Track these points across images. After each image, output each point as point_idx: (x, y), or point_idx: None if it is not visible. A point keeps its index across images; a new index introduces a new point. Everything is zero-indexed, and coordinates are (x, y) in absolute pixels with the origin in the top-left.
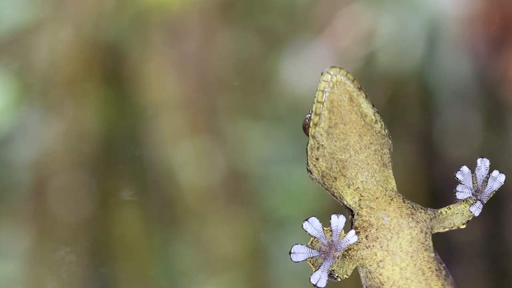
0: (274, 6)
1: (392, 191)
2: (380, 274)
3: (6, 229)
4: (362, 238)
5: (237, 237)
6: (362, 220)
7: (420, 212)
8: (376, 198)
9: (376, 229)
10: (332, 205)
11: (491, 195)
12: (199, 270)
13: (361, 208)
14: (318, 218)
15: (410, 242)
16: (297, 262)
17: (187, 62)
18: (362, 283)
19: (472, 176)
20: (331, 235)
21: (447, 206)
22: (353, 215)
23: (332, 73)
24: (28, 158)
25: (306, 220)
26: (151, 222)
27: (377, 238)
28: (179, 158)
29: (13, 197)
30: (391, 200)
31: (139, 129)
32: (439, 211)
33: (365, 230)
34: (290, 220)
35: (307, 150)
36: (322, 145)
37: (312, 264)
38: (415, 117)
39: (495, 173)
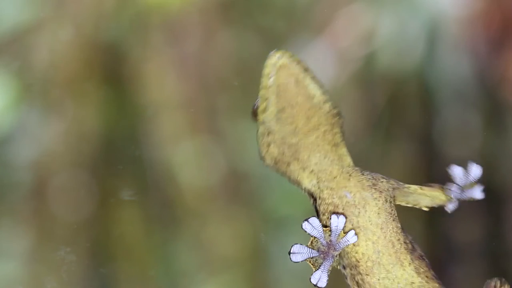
0: (274, 6)
1: (349, 167)
2: (356, 252)
3: (6, 229)
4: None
5: (237, 237)
6: (325, 203)
7: (382, 181)
8: (334, 178)
9: (343, 209)
10: None
11: (468, 200)
12: (199, 270)
13: (322, 190)
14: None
15: (378, 213)
16: (297, 262)
17: (187, 62)
18: (339, 263)
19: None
20: (329, 235)
21: (420, 186)
22: (315, 200)
23: (277, 56)
24: (28, 158)
25: (306, 220)
26: (151, 222)
27: (346, 217)
28: (179, 158)
29: (13, 197)
30: (350, 176)
31: (139, 129)
32: (408, 185)
33: (331, 213)
34: (290, 220)
35: (257, 137)
36: (272, 131)
37: (312, 264)
38: (415, 117)
39: (480, 188)
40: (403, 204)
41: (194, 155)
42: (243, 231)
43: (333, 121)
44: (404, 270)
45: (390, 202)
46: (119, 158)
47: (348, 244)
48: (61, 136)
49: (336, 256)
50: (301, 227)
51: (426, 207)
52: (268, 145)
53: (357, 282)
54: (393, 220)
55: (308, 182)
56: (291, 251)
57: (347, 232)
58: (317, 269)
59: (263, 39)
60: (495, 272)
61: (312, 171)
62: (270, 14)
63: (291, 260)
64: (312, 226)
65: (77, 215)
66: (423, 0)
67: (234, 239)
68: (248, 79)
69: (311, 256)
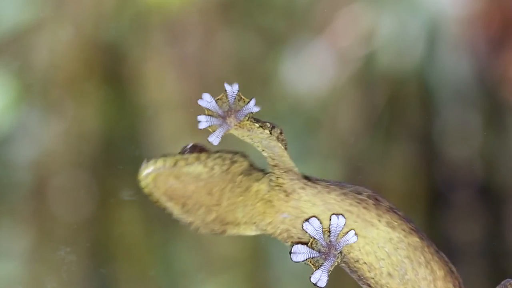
0: (274, 6)
1: (267, 194)
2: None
3: (6, 229)
4: (302, 242)
5: (237, 237)
6: (279, 235)
7: (284, 182)
8: (264, 213)
9: (294, 227)
10: None
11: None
12: (199, 270)
13: (265, 230)
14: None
15: (314, 204)
16: (298, 262)
17: (187, 62)
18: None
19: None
20: (329, 236)
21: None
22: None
23: (144, 174)
24: (28, 158)
25: (307, 220)
26: (151, 222)
27: (303, 230)
28: None
29: (13, 197)
30: (271, 202)
31: (139, 129)
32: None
33: (293, 237)
34: None
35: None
36: (191, 222)
37: (312, 264)
38: (415, 117)
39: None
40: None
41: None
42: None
43: (230, 175)
44: (377, 229)
45: (306, 184)
46: (119, 158)
47: (349, 243)
48: (61, 136)
49: (338, 256)
50: (302, 227)
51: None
52: (197, 229)
53: (345, 262)
54: (328, 192)
55: (251, 231)
56: (292, 251)
57: (346, 232)
58: (317, 269)
59: (263, 39)
60: (495, 272)
61: (245, 223)
62: (270, 14)
63: (292, 260)
64: (313, 226)
65: (77, 215)
66: (423, 0)
67: (234, 239)
68: (248, 79)
69: (311, 256)
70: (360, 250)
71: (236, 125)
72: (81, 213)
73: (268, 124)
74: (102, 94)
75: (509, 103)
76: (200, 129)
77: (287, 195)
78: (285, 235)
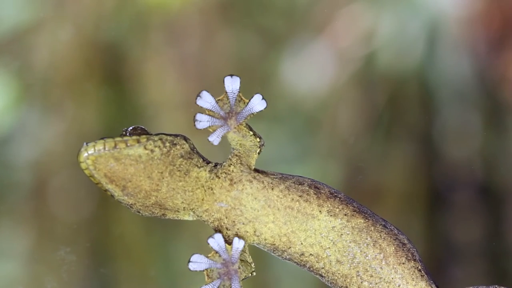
0: (274, 6)
1: (208, 181)
2: (265, 240)
3: (6, 229)
4: (227, 234)
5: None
6: (213, 223)
7: (234, 171)
8: (202, 200)
9: (227, 217)
10: None
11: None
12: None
13: (201, 216)
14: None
15: (256, 198)
16: (194, 271)
17: (187, 62)
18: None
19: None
20: (220, 256)
21: (240, 144)
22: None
23: (83, 157)
24: (28, 158)
25: (211, 236)
26: (151, 222)
27: (234, 222)
28: None
29: (13, 197)
30: (211, 189)
31: None
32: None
33: (222, 226)
34: None
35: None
36: (131, 204)
37: (207, 275)
38: (415, 117)
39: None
40: (255, 159)
41: None
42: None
43: (171, 157)
44: (318, 220)
45: (254, 178)
46: None
47: (240, 250)
48: (61, 136)
49: (239, 268)
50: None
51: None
52: (138, 212)
53: (290, 259)
54: (272, 188)
55: (188, 217)
56: (190, 260)
57: (231, 243)
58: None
59: (263, 39)
60: (495, 272)
61: (184, 208)
62: (270, 14)
63: (189, 269)
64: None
65: (77, 215)
66: (423, 0)
67: None
68: (248, 79)
69: (209, 267)
70: (302, 243)
71: (235, 128)
72: (81, 213)
73: (258, 134)
74: (102, 94)
75: (509, 103)
76: (198, 128)
77: (231, 184)
78: (216, 223)
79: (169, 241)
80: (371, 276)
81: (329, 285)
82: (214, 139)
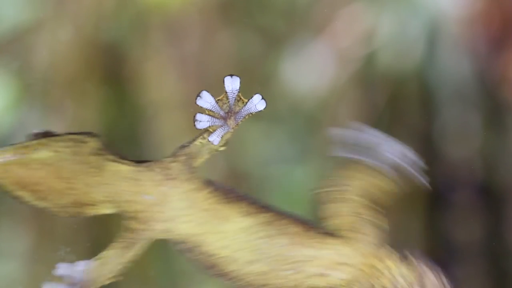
0: (274, 6)
1: (133, 173)
2: (178, 235)
3: (6, 229)
4: (140, 228)
5: None
6: (129, 214)
7: (174, 168)
8: (124, 191)
9: (147, 211)
10: None
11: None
12: (199, 270)
13: (120, 207)
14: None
15: (181, 199)
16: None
17: (187, 62)
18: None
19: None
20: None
21: (199, 141)
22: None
23: None
24: None
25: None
26: None
27: (152, 216)
28: None
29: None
30: (136, 180)
31: (139, 129)
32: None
33: (138, 219)
34: None
35: None
36: (46, 208)
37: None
38: (415, 117)
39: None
40: (201, 160)
41: None
42: None
43: (81, 155)
44: (230, 222)
45: (190, 179)
46: None
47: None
48: None
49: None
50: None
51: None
52: (53, 214)
53: (197, 259)
54: (199, 190)
55: (107, 210)
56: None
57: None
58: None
59: (263, 39)
60: (495, 272)
61: (102, 201)
62: (270, 14)
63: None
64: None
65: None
66: (423, 0)
67: None
68: (248, 79)
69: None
70: (214, 245)
71: (233, 127)
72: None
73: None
74: (102, 94)
75: (509, 103)
76: (198, 128)
77: (166, 179)
78: (133, 215)
79: (169, 241)
80: (289, 263)
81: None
82: (214, 139)
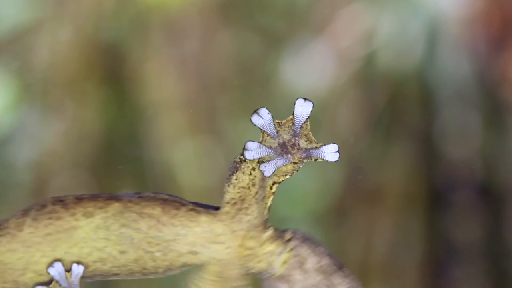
0: (274, 6)
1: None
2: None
3: None
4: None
5: None
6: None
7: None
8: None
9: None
10: (332, 206)
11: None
12: (199, 270)
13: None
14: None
15: (18, 248)
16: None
17: (187, 62)
18: None
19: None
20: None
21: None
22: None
23: None
24: (29, 158)
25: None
26: None
27: (23, 267)
28: (179, 158)
29: (13, 197)
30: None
31: (139, 129)
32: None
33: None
34: (290, 220)
35: None
36: None
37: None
38: (415, 117)
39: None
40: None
41: (194, 155)
42: None
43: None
44: (80, 228)
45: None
46: (119, 158)
47: (80, 275)
48: (61, 136)
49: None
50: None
51: None
52: None
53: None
54: (21, 229)
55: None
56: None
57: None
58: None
59: (263, 39)
60: (495, 272)
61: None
62: (270, 14)
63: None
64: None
65: None
66: (423, 0)
67: None
68: (248, 79)
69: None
70: (80, 258)
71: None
72: None
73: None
74: (102, 94)
75: (509, 103)
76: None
77: (18, 230)
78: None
79: None
80: (157, 244)
81: (128, 277)
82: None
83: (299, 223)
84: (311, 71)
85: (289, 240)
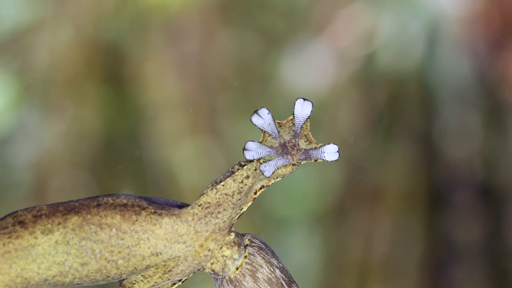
0: (274, 6)
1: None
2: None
3: None
4: None
5: None
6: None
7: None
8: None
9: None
10: (332, 206)
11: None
12: (199, 270)
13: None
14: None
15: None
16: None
17: (187, 62)
18: None
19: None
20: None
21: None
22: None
23: None
24: (28, 158)
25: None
26: None
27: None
28: (179, 158)
29: (13, 197)
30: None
31: (139, 129)
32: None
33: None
34: (290, 220)
35: None
36: None
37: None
38: (415, 117)
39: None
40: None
41: (194, 155)
42: (243, 231)
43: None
44: (39, 245)
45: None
46: (119, 158)
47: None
48: (61, 136)
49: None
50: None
51: None
52: None
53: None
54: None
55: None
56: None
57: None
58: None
59: (263, 39)
60: (495, 272)
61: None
62: (270, 14)
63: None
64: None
65: None
66: (423, 0)
67: None
68: (248, 79)
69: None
70: (38, 273)
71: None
72: None
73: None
74: (102, 94)
75: (509, 103)
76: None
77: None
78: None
79: None
80: (120, 252)
81: (91, 285)
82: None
83: (299, 223)
84: (311, 71)
85: (246, 246)
